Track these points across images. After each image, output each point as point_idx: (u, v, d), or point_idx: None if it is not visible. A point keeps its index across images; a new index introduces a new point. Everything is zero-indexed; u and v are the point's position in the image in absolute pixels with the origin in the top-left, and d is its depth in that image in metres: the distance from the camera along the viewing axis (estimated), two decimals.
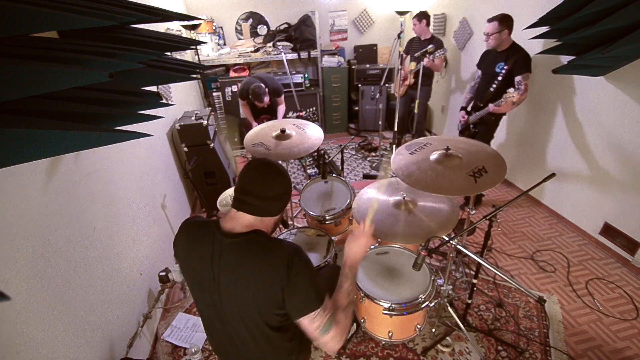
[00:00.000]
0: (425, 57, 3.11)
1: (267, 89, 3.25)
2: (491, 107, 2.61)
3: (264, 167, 1.09)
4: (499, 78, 2.64)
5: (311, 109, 4.79)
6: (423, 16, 3.64)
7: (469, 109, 2.98)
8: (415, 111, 3.52)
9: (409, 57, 3.93)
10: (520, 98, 2.53)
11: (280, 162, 1.39)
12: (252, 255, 1.04)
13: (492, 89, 2.71)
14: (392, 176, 2.12)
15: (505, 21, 2.55)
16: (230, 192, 2.39)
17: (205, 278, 1.10)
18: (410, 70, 3.75)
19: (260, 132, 2.22)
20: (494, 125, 2.86)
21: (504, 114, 2.76)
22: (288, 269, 1.00)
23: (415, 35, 3.78)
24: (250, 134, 2.21)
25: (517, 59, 2.53)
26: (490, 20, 2.61)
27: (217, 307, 1.13)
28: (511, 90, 2.42)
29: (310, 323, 1.03)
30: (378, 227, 1.76)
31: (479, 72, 2.93)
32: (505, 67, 2.59)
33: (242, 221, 1.08)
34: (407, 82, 3.93)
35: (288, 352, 1.22)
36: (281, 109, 3.65)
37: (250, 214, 1.08)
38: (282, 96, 3.58)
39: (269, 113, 3.67)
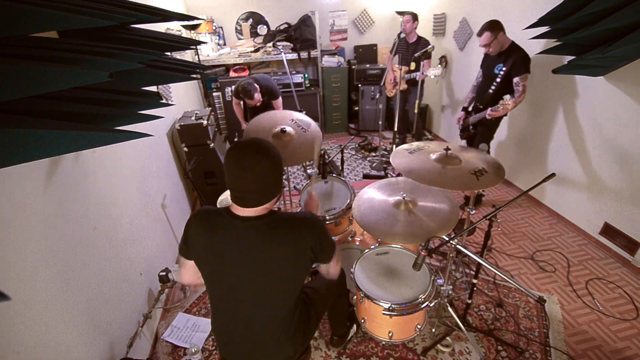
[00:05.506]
0: (423, 60, 3.13)
1: (259, 88, 3.19)
2: (488, 112, 2.62)
3: (251, 157, 1.05)
4: (498, 79, 2.64)
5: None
6: (416, 18, 3.65)
7: (470, 109, 2.98)
8: (415, 111, 3.52)
9: (396, 57, 3.91)
10: (518, 100, 2.53)
11: None
12: (279, 235, 1.12)
13: (491, 91, 2.71)
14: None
15: (495, 27, 2.54)
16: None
17: (227, 262, 1.14)
18: (403, 76, 3.72)
19: (258, 132, 2.17)
20: (494, 127, 2.86)
21: (505, 114, 2.76)
22: (317, 233, 1.16)
23: (403, 34, 3.72)
24: (249, 133, 2.14)
25: (516, 59, 2.52)
26: (480, 33, 2.60)
27: (236, 290, 1.17)
28: (507, 97, 2.42)
29: (335, 260, 1.31)
30: (378, 227, 1.77)
31: (481, 71, 2.93)
32: (504, 69, 2.59)
33: (253, 210, 1.12)
34: (401, 88, 3.91)
35: (292, 340, 1.27)
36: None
37: (259, 205, 1.11)
38: (279, 100, 3.44)
39: None
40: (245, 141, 1.10)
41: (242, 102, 3.52)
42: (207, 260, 1.17)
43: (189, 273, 1.27)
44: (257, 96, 3.14)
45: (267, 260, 1.12)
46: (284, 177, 2.40)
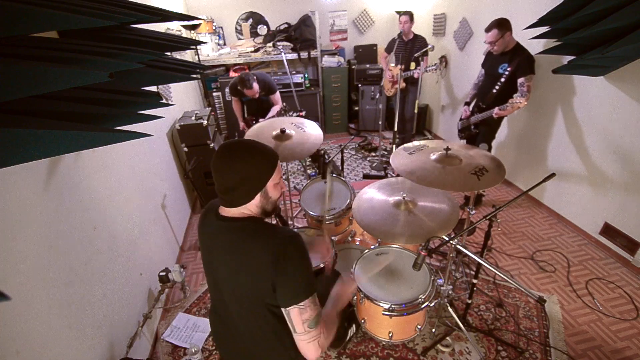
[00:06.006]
0: (422, 60, 3.14)
1: (256, 78, 3.17)
2: (496, 110, 2.61)
3: (223, 159, 1.03)
4: (502, 79, 2.63)
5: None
6: (412, 17, 3.67)
7: (471, 107, 2.97)
8: (415, 110, 3.53)
9: (391, 55, 3.92)
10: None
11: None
12: (245, 241, 1.04)
13: (494, 91, 2.70)
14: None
15: (503, 25, 2.52)
16: None
17: (209, 257, 1.15)
18: (400, 74, 3.72)
19: (259, 136, 2.18)
20: (496, 126, 2.85)
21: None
22: (277, 256, 0.97)
23: (400, 32, 3.72)
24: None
25: (521, 60, 2.52)
26: (488, 30, 2.58)
27: (218, 289, 1.17)
28: (517, 95, 2.41)
29: (300, 314, 0.98)
30: (378, 227, 1.77)
31: (483, 70, 2.92)
32: (509, 69, 2.58)
33: (232, 212, 1.10)
34: (400, 87, 3.91)
35: (285, 346, 1.16)
36: (275, 108, 3.50)
37: (232, 207, 1.08)
38: (277, 95, 3.44)
39: (261, 112, 3.52)
40: (227, 143, 1.08)
41: (240, 100, 3.53)
42: (202, 253, 1.21)
43: None
44: (256, 86, 3.13)
45: (238, 265, 1.05)
46: (284, 177, 2.39)
